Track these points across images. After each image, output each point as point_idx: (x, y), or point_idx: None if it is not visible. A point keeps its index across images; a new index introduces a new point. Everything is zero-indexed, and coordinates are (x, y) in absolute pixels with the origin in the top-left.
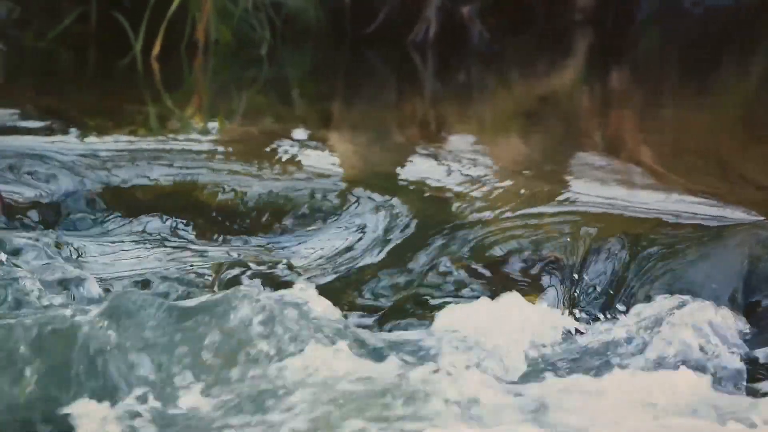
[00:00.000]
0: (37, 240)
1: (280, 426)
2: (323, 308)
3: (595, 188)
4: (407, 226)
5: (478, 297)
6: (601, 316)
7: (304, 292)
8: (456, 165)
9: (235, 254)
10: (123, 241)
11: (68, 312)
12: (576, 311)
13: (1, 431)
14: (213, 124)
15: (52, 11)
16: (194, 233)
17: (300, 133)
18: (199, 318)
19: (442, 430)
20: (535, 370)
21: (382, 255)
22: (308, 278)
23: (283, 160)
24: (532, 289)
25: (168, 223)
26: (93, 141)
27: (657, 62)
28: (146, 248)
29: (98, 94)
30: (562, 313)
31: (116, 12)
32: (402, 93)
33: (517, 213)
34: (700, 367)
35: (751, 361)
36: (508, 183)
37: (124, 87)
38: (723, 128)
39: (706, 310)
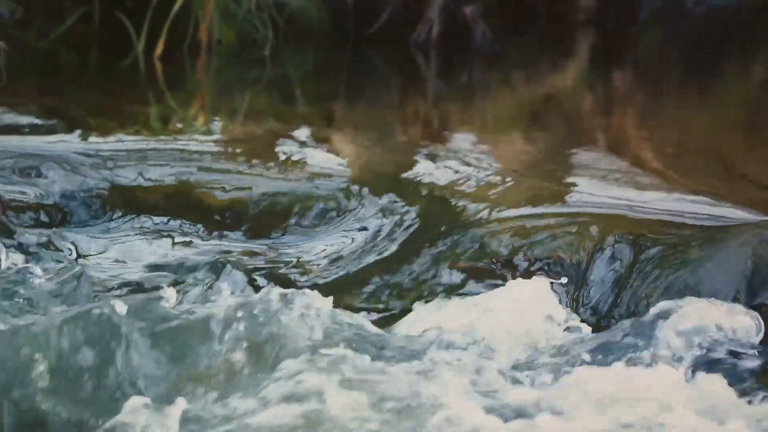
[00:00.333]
0: (38, 239)
1: None
2: (328, 308)
3: (598, 188)
4: (411, 226)
5: (480, 296)
6: (604, 316)
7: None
8: (459, 165)
9: (237, 253)
10: (126, 241)
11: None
12: (580, 311)
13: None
14: (216, 125)
15: (54, 11)
16: (197, 233)
17: (303, 133)
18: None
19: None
20: (537, 369)
21: (385, 255)
22: (312, 278)
23: (286, 160)
24: (534, 288)
25: (171, 223)
26: (95, 141)
27: (659, 62)
28: (149, 247)
29: (101, 94)
30: (566, 313)
31: (119, 12)
32: (405, 93)
33: (520, 213)
34: (702, 367)
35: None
36: (511, 183)
37: (127, 87)
38: (726, 128)
39: (709, 309)
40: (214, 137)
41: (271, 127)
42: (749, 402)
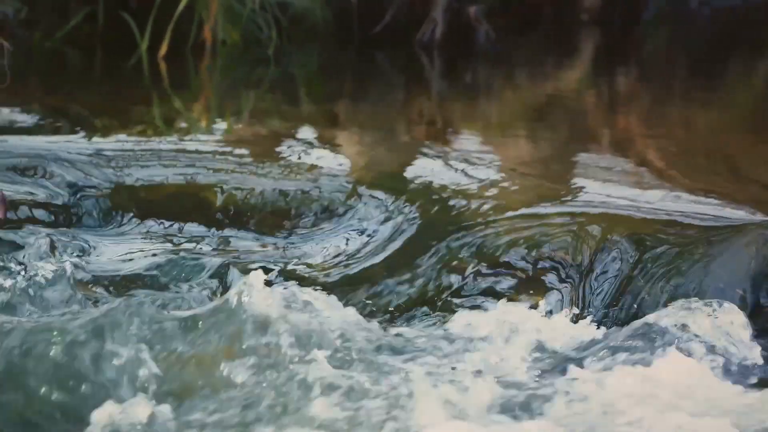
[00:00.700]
0: (41, 239)
1: None
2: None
3: (602, 188)
4: (414, 226)
5: (483, 296)
6: (607, 316)
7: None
8: (463, 165)
9: (240, 253)
10: (130, 240)
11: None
12: (583, 311)
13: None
14: (219, 125)
15: (59, 11)
16: (201, 233)
17: (307, 134)
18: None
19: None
20: (543, 369)
21: (389, 255)
22: (316, 277)
23: (290, 160)
24: (537, 290)
25: (175, 222)
26: (99, 141)
27: (663, 62)
28: (153, 247)
29: (105, 94)
30: (570, 314)
31: (123, 12)
32: (409, 93)
33: (524, 213)
34: (705, 366)
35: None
36: (514, 183)
37: (131, 87)
38: (730, 128)
39: (713, 310)
40: (219, 137)
41: (276, 128)
42: (748, 400)
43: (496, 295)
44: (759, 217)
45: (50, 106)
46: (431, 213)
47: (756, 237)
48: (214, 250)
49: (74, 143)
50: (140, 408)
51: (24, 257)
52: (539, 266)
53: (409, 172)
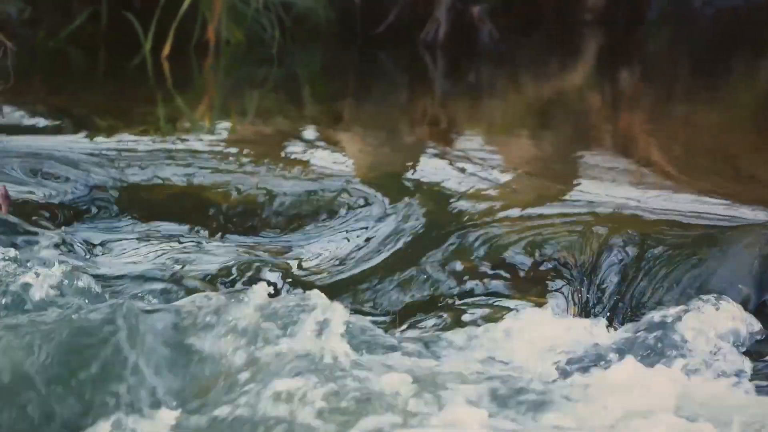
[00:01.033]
0: (45, 238)
1: None
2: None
3: (605, 188)
4: (418, 226)
5: (487, 297)
6: (611, 316)
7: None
8: (466, 165)
9: (244, 254)
10: (134, 240)
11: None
12: (586, 312)
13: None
14: (223, 125)
15: (62, 11)
16: (204, 233)
17: (310, 133)
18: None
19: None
20: (546, 369)
21: (392, 255)
22: (318, 278)
23: (294, 160)
24: (541, 290)
25: (178, 222)
26: (102, 140)
27: (667, 62)
28: (157, 246)
29: (108, 93)
30: (573, 314)
31: (127, 12)
32: (412, 93)
33: (528, 213)
34: (708, 367)
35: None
36: (518, 183)
37: (135, 87)
38: (734, 128)
39: (716, 310)
40: (222, 137)
41: (279, 127)
42: (752, 401)
43: (499, 296)
44: (762, 216)
45: (54, 105)
46: (434, 213)
47: (759, 237)
48: (218, 249)
49: (77, 143)
50: (146, 410)
51: (26, 256)
52: (542, 267)
53: (413, 172)
